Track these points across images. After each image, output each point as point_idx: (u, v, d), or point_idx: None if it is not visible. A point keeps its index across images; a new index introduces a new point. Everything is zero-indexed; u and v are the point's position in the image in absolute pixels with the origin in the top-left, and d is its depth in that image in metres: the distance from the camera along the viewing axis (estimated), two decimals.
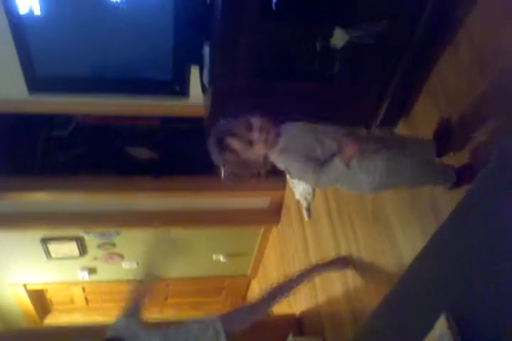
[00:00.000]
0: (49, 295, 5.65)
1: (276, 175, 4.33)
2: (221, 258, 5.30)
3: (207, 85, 2.29)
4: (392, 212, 2.54)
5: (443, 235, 1.16)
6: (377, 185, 1.80)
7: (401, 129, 2.40)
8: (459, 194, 1.88)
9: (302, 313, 3.90)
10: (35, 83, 2.92)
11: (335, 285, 3.24)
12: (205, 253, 5.28)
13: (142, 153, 4.50)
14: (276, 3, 1.92)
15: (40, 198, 4.10)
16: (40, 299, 5.57)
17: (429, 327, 1.02)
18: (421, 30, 2.05)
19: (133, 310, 2.45)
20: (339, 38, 1.91)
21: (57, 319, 5.78)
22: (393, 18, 1.98)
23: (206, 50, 2.18)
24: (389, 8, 2.00)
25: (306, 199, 3.78)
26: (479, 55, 1.87)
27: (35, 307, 5.51)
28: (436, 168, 1.98)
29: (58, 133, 4.40)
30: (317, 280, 3.59)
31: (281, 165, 1.86)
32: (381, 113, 2.42)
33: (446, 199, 2.03)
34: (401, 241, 2.45)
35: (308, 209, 3.76)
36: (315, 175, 1.74)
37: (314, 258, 3.65)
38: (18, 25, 2.64)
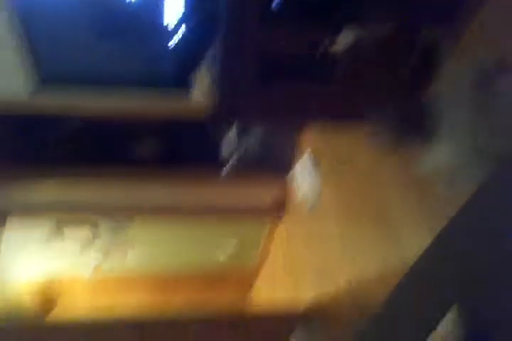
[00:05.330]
0: (55, 289, 5.69)
1: (279, 170, 4.35)
2: (227, 252, 5.32)
3: (212, 84, 2.30)
4: (399, 210, 2.54)
5: (456, 225, 1.15)
6: None
7: None
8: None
9: (308, 304, 3.92)
10: (43, 74, 2.93)
11: (339, 277, 3.25)
12: (211, 247, 5.30)
13: (145, 145, 4.51)
14: (277, 4, 1.92)
15: (43, 190, 4.13)
16: (45, 293, 5.60)
17: (439, 319, 1.02)
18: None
19: None
20: (344, 38, 1.90)
21: (63, 312, 5.82)
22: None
23: (212, 49, 2.18)
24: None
25: (311, 193, 3.78)
26: None
27: (40, 301, 5.54)
28: None
29: (63, 126, 4.40)
30: (322, 271, 3.61)
31: None
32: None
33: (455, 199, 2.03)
34: (406, 238, 2.45)
35: (313, 204, 3.76)
36: None
37: (319, 254, 3.65)
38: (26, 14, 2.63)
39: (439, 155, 1.63)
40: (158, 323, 3.74)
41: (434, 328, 1.03)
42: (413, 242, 2.39)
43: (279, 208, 4.51)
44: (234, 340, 3.53)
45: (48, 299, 5.70)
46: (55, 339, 3.55)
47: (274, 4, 1.91)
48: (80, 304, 5.87)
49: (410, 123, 1.53)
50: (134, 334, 3.38)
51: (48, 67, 2.91)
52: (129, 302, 5.95)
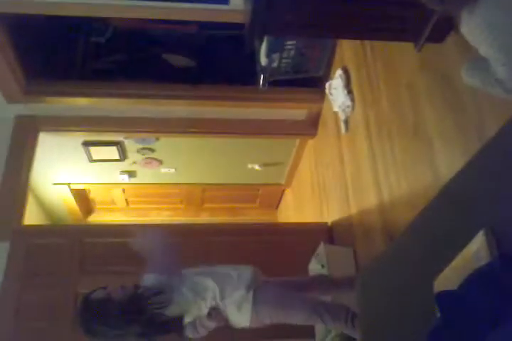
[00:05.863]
0: (92, 196, 5.94)
1: (313, 87, 4.27)
2: (256, 166, 5.40)
3: None
4: (434, 129, 2.50)
5: (493, 148, 1.13)
6: None
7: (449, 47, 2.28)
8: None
9: (334, 222, 4.01)
10: None
11: (368, 196, 3.29)
12: (240, 162, 5.38)
13: (179, 60, 4.45)
14: None
15: (79, 103, 4.18)
16: (83, 199, 5.87)
17: (466, 242, 1.04)
18: None
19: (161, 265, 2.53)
20: None
21: (99, 217, 6.13)
22: None
23: None
24: None
25: (344, 111, 3.73)
26: None
27: (79, 206, 5.83)
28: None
29: (96, 39, 4.36)
30: (350, 189, 3.66)
31: None
32: (429, 26, 2.29)
33: (495, 123, 1.98)
34: (440, 159, 2.43)
35: (346, 122, 3.72)
36: None
37: (349, 171, 3.68)
38: None
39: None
40: (189, 231, 3.92)
41: (462, 249, 1.05)
42: (447, 163, 2.37)
43: (311, 124, 4.49)
44: (260, 248, 3.68)
45: (86, 204, 5.99)
46: (93, 240, 3.77)
47: None
48: (116, 210, 6.16)
49: None
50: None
51: None
52: (161, 211, 6.22)
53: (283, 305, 2.54)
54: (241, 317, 2.48)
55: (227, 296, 2.46)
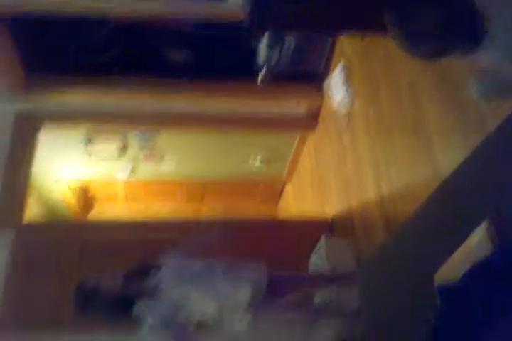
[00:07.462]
0: (92, 191, 5.93)
1: (313, 82, 4.26)
2: (257, 162, 5.39)
3: None
4: (434, 125, 2.50)
5: (494, 142, 1.14)
6: None
7: None
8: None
9: (335, 216, 4.02)
10: None
11: (369, 191, 3.30)
12: (241, 157, 5.37)
13: (178, 55, 4.43)
14: None
15: (79, 98, 4.17)
16: (83, 194, 5.86)
17: (467, 234, 1.04)
18: None
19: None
20: None
21: (100, 214, 6.12)
22: None
23: None
24: None
25: (344, 106, 3.72)
26: None
27: (79, 202, 5.82)
28: None
29: (95, 33, 4.34)
30: (350, 184, 3.66)
31: None
32: None
33: (495, 119, 1.97)
34: (440, 154, 2.43)
35: (346, 117, 3.72)
36: None
37: (349, 166, 3.68)
38: None
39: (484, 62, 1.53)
40: (190, 225, 3.92)
41: (463, 241, 1.05)
42: (447, 157, 2.37)
43: (311, 119, 4.48)
44: (261, 243, 3.68)
45: (86, 200, 5.99)
46: (94, 236, 3.78)
47: None
48: (116, 206, 6.16)
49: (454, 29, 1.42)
50: (166, 234, 3.54)
51: None
52: (162, 207, 6.21)
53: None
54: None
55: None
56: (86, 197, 5.97)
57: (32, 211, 4.69)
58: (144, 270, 2.50)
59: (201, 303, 2.42)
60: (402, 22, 1.25)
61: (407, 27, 1.22)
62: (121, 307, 2.36)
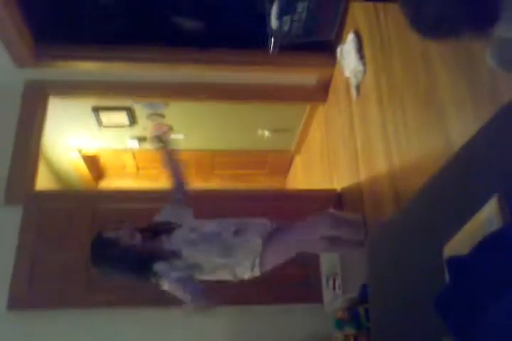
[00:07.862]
0: (102, 161, 5.97)
1: (325, 51, 4.19)
2: (266, 133, 5.38)
3: None
4: (446, 95, 2.45)
5: (504, 117, 1.12)
6: None
7: None
8: None
9: (344, 189, 4.01)
10: None
11: (379, 163, 3.28)
12: (250, 128, 5.36)
13: (189, 23, 4.37)
14: None
15: (88, 67, 4.14)
16: (94, 164, 5.90)
17: (477, 208, 1.04)
18: None
19: (178, 189, 2.61)
20: None
21: (111, 183, 6.17)
22: None
23: None
24: None
25: (356, 76, 3.67)
26: None
27: (90, 172, 5.87)
28: None
29: (105, 0, 4.29)
30: (360, 156, 3.64)
31: None
32: None
33: (509, 89, 1.93)
34: (452, 125, 2.40)
35: (358, 87, 3.67)
36: None
37: (359, 138, 3.65)
38: None
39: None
40: (199, 194, 3.94)
41: (473, 214, 1.04)
42: (459, 129, 2.34)
43: (322, 90, 4.43)
44: (269, 214, 3.69)
45: (97, 169, 6.03)
46: (105, 205, 3.81)
47: None
48: (127, 175, 6.20)
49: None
50: None
51: None
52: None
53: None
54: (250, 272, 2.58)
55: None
56: (97, 167, 6.01)
57: (43, 180, 4.72)
58: (158, 231, 2.57)
59: (214, 261, 2.52)
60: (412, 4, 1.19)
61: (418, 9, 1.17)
62: (139, 264, 2.41)
